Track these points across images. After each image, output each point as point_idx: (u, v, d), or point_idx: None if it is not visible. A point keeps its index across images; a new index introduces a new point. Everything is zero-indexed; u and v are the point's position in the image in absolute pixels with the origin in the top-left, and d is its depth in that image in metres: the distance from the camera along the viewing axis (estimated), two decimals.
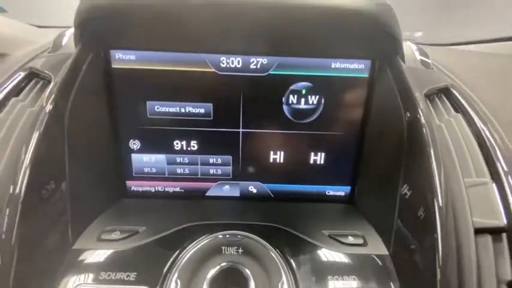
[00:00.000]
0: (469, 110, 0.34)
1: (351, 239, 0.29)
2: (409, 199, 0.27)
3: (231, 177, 0.35)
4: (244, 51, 0.31)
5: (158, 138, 0.34)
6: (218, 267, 0.23)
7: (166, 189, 0.36)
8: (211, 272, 0.23)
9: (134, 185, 0.36)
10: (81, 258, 0.26)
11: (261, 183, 0.36)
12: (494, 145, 0.30)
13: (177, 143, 0.34)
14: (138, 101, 0.32)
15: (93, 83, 0.31)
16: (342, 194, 0.36)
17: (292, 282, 0.24)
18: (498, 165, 0.28)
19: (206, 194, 0.36)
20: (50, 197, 0.25)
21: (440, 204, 0.23)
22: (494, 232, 0.25)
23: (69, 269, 0.25)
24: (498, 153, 0.29)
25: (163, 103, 0.32)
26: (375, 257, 0.27)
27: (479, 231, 0.25)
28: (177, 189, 0.36)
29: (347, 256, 0.27)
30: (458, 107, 0.35)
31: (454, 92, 0.36)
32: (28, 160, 0.23)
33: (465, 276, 0.24)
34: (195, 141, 0.34)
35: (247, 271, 0.23)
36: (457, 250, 0.24)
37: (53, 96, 0.26)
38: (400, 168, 0.28)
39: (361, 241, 0.29)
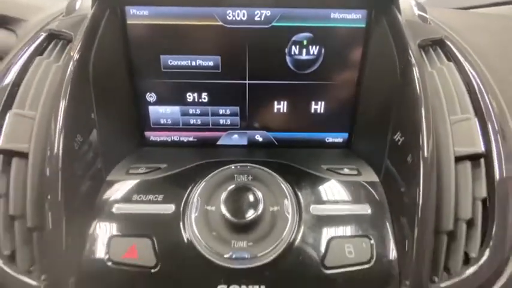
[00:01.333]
0: (462, 59, 0.35)
1: (346, 171, 0.32)
2: (401, 145, 0.29)
3: (239, 126, 0.39)
4: (249, 3, 0.33)
5: (172, 91, 0.37)
6: (232, 186, 0.27)
7: (181, 138, 0.40)
8: (226, 191, 0.27)
9: (152, 135, 0.40)
10: (114, 186, 0.30)
11: (266, 132, 0.39)
12: (482, 87, 0.32)
13: (189, 95, 0.37)
14: (153, 56, 0.35)
15: (111, 39, 0.33)
16: (341, 140, 0.40)
17: (295, 200, 0.29)
18: (482, 102, 0.30)
19: (217, 143, 0.40)
20: (80, 148, 0.28)
21: (426, 155, 0.25)
22: (473, 158, 0.28)
23: (105, 195, 0.29)
24: (484, 92, 0.31)
25: (176, 57, 0.35)
26: (367, 184, 0.31)
27: (459, 159, 0.28)
28: (191, 139, 0.40)
29: (343, 182, 0.31)
30: (451, 57, 0.36)
31: (449, 43, 0.38)
32: (61, 118, 0.26)
33: (444, 197, 0.27)
34: (206, 93, 0.37)
35: (257, 190, 0.27)
36: (438, 178, 0.26)
37: (78, 46, 0.29)
38: (393, 116, 0.31)
39: (355, 172, 0.32)
